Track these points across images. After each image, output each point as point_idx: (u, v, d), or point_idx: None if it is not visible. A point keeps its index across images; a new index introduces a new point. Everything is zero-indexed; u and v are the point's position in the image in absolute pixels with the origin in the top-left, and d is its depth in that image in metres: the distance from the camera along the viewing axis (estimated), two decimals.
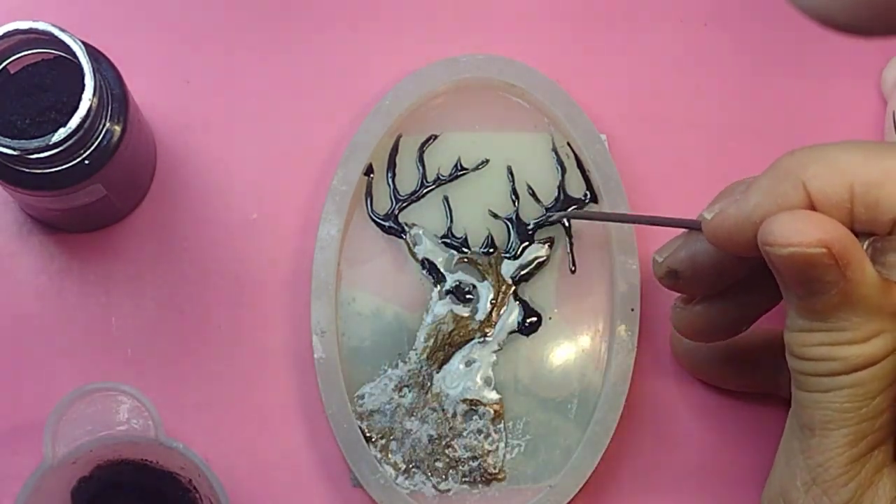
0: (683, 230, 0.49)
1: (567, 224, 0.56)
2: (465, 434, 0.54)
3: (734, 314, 0.50)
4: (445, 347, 0.55)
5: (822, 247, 0.41)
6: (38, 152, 0.47)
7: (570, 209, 0.56)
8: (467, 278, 0.55)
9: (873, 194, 0.42)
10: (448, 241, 0.55)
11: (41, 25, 0.47)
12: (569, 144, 0.56)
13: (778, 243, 0.42)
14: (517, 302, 0.55)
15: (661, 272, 0.49)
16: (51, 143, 0.46)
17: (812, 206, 0.42)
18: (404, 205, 0.56)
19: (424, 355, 0.54)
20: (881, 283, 0.42)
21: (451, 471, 0.54)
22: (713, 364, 0.55)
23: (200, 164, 0.56)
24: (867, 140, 0.44)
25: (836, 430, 0.44)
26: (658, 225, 0.51)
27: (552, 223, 0.56)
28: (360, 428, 0.54)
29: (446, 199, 0.56)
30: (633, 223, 0.54)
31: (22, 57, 0.49)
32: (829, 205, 0.42)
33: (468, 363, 0.55)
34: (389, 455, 0.54)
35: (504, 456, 0.54)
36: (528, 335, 0.55)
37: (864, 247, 0.42)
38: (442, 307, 0.55)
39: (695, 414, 0.56)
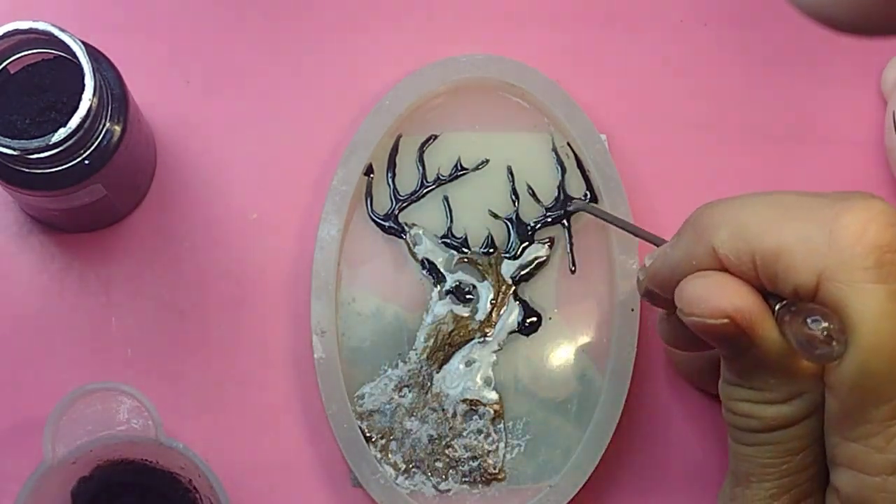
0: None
1: (567, 224, 0.56)
2: (465, 434, 0.54)
3: None
4: (445, 347, 0.55)
5: (724, 318, 0.42)
6: (38, 152, 0.47)
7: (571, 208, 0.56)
8: (467, 278, 0.55)
9: (771, 268, 0.41)
10: (448, 241, 0.55)
11: (41, 25, 0.47)
12: (569, 144, 0.56)
13: (684, 312, 0.43)
14: (517, 302, 0.55)
15: (642, 291, 0.49)
16: (51, 143, 0.46)
17: (725, 268, 0.43)
18: (404, 205, 0.56)
19: (424, 355, 0.54)
20: (790, 350, 0.42)
21: (451, 471, 0.54)
22: (703, 373, 0.55)
23: (200, 164, 0.56)
24: (782, 194, 0.43)
25: (757, 482, 0.44)
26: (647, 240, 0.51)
27: (572, 213, 0.55)
28: (360, 428, 0.54)
29: (446, 199, 0.56)
30: (634, 234, 0.54)
31: (22, 57, 0.49)
32: (738, 271, 0.42)
33: (468, 363, 0.55)
34: (389, 455, 0.54)
35: (504, 456, 0.54)
36: (528, 335, 0.55)
37: (778, 308, 0.42)
38: (442, 307, 0.55)
39: (694, 414, 0.56)
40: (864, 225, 0.40)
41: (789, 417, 0.43)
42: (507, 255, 0.55)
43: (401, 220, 0.55)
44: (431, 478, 0.54)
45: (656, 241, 0.50)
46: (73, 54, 0.47)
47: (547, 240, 0.56)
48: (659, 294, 0.47)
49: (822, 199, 0.42)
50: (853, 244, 0.40)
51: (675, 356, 0.56)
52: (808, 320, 0.39)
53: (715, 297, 0.42)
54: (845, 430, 0.42)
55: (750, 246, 0.42)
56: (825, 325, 0.39)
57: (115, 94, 0.49)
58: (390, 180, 0.56)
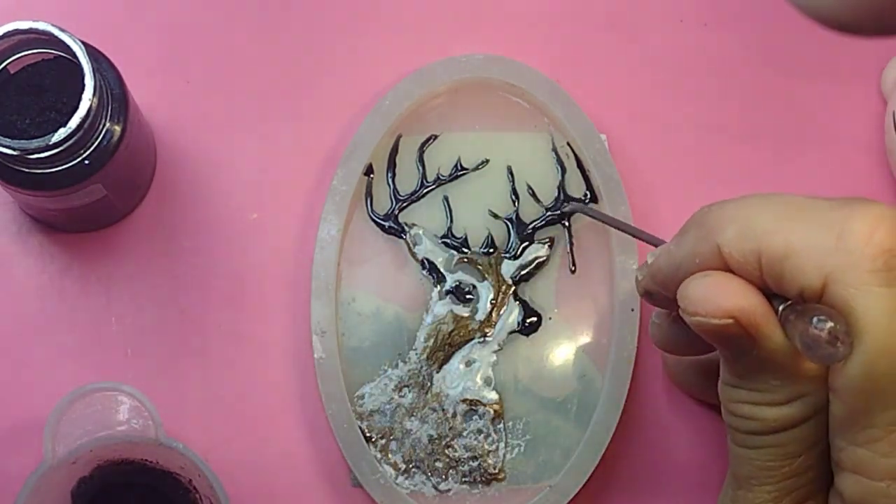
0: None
1: (567, 224, 0.56)
2: (465, 434, 0.54)
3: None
4: (445, 347, 0.55)
5: (728, 318, 0.41)
6: (38, 152, 0.47)
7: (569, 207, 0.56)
8: (467, 278, 0.55)
9: (777, 267, 0.41)
10: (448, 241, 0.55)
11: (41, 25, 0.47)
12: (569, 144, 0.56)
13: (688, 312, 0.42)
14: (517, 302, 0.55)
15: (641, 290, 0.48)
16: (51, 143, 0.46)
17: (729, 268, 0.42)
18: (404, 205, 0.56)
19: (424, 355, 0.54)
20: (794, 351, 0.41)
21: (451, 471, 0.54)
22: (698, 380, 0.54)
23: (200, 164, 0.56)
24: (789, 196, 0.43)
25: (759, 486, 0.44)
26: (646, 241, 0.51)
27: (569, 214, 0.55)
28: (360, 428, 0.54)
29: (446, 199, 0.56)
30: (633, 235, 0.53)
31: (22, 57, 0.49)
32: (742, 270, 0.42)
33: (468, 363, 0.55)
34: (389, 455, 0.54)
35: (504, 456, 0.54)
36: (528, 335, 0.55)
37: (782, 309, 0.41)
38: (442, 307, 0.55)
39: (694, 414, 0.56)
40: (873, 228, 0.40)
41: (791, 419, 0.43)
42: (507, 255, 0.55)
43: (401, 220, 0.55)
44: (431, 478, 0.54)
45: (655, 242, 0.50)
46: (73, 54, 0.47)
47: (547, 240, 0.56)
48: (659, 293, 0.46)
49: (830, 202, 0.42)
50: (862, 247, 0.39)
51: (668, 364, 0.56)
52: (814, 320, 0.39)
53: (719, 297, 0.42)
54: (850, 434, 0.41)
55: (756, 245, 0.41)
56: (831, 325, 0.39)
57: (115, 94, 0.49)
58: (390, 180, 0.56)
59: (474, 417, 0.54)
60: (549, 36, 0.58)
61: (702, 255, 0.43)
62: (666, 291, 0.45)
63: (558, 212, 0.56)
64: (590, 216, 0.55)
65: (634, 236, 0.52)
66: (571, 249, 0.56)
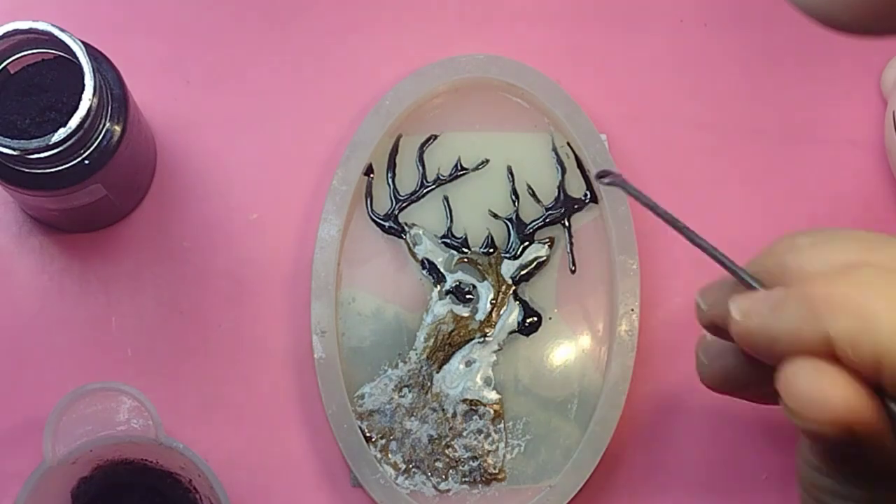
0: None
1: (567, 224, 0.56)
2: (465, 434, 0.54)
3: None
4: (445, 347, 0.55)
5: (844, 428, 0.36)
6: (38, 152, 0.47)
7: (569, 209, 0.56)
8: (467, 278, 0.55)
9: None
10: (448, 241, 0.55)
11: (41, 25, 0.47)
12: (569, 144, 0.56)
13: (792, 412, 0.37)
14: (517, 302, 0.55)
15: (705, 322, 0.42)
16: (51, 143, 0.46)
17: (835, 356, 0.37)
18: (404, 205, 0.56)
19: (424, 355, 0.54)
20: None
21: (451, 471, 0.54)
22: (743, 381, 0.44)
23: (200, 164, 0.56)
24: None
25: None
26: (716, 259, 0.42)
27: (609, 183, 0.47)
28: (360, 428, 0.54)
29: (446, 199, 0.56)
30: (697, 245, 0.43)
31: (22, 57, 0.49)
32: (855, 366, 0.36)
33: (468, 363, 0.55)
34: (389, 455, 0.54)
35: (504, 456, 0.54)
36: (528, 335, 0.55)
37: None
38: (442, 307, 0.55)
39: (694, 414, 0.56)
40: None
41: None
42: (507, 255, 0.55)
43: (401, 220, 0.55)
44: (431, 478, 0.54)
45: (719, 258, 0.41)
46: (73, 54, 0.47)
47: (547, 240, 0.56)
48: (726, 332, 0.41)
49: None
50: None
51: (709, 361, 0.45)
52: None
53: (834, 403, 0.36)
54: None
55: (876, 348, 0.36)
56: None
57: (115, 94, 0.49)
58: (390, 180, 0.56)
59: (474, 417, 0.54)
60: (549, 36, 0.58)
61: (807, 341, 0.37)
62: (759, 356, 0.39)
63: (561, 210, 0.55)
64: (630, 194, 0.45)
65: (693, 242, 0.43)
66: (571, 249, 0.56)
